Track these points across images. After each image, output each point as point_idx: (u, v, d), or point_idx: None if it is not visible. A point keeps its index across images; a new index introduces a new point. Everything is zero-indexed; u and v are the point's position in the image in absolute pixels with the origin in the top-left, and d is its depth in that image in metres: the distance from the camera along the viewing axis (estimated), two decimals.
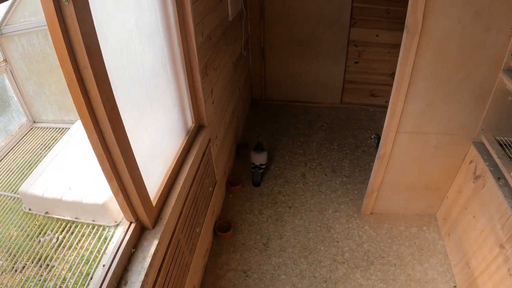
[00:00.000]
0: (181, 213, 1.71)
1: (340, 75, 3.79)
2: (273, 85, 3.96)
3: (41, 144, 2.20)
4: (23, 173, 1.96)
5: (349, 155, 3.29)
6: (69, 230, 1.53)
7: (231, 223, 2.56)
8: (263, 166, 3.00)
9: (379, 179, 2.51)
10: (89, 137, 1.11)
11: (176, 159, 1.79)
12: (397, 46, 3.56)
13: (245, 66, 3.52)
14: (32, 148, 2.16)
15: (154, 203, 1.48)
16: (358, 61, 3.69)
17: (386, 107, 3.98)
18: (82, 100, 1.00)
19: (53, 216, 1.59)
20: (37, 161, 2.02)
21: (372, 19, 3.42)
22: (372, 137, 3.15)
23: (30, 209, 1.63)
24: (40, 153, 2.11)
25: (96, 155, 1.16)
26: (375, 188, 2.58)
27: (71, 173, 1.70)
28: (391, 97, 2.05)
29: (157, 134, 1.61)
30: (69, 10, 0.87)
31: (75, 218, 1.56)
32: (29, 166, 2.02)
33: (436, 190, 2.58)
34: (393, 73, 3.72)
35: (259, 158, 2.98)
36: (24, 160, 2.06)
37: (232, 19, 2.64)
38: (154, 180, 1.54)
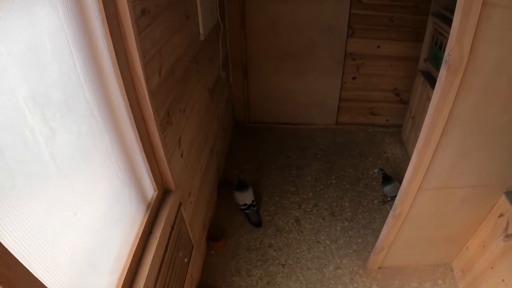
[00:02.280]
0: None
1: (335, 93, 3.30)
2: (259, 106, 3.43)
3: None
4: None
5: (349, 192, 2.79)
6: None
7: None
8: (254, 203, 2.57)
9: (392, 237, 2.06)
10: None
11: (132, 252, 1.27)
12: (401, 59, 3.10)
13: (225, 88, 2.98)
14: None
15: None
16: (356, 76, 3.20)
17: (387, 126, 3.66)
18: None
19: None
20: None
21: (372, 28, 2.94)
22: (376, 171, 2.66)
23: None
24: None
25: None
26: (386, 245, 2.12)
27: None
28: (415, 150, 1.57)
29: (94, 231, 1.08)
30: None
31: None
32: None
33: (456, 242, 2.19)
34: (396, 89, 3.29)
35: (247, 197, 2.53)
36: None
37: (205, 38, 2.10)
38: None
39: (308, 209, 2.65)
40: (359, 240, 2.45)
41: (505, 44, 1.21)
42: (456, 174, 1.69)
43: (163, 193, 1.63)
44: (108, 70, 1.14)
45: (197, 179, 2.12)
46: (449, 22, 2.47)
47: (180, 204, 1.75)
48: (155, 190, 1.55)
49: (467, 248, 2.19)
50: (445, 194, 1.81)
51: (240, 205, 2.56)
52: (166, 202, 1.60)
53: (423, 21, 2.79)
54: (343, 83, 3.24)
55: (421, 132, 1.49)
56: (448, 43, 1.21)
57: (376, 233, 2.48)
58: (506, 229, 1.83)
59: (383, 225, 2.51)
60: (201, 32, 2.05)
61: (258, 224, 2.54)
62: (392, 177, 2.65)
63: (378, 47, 3.03)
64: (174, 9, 1.60)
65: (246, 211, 2.55)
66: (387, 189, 2.63)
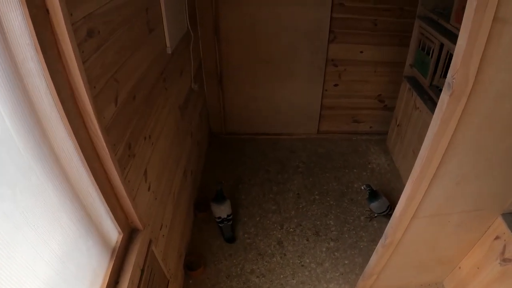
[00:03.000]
0: None
1: (316, 101, 3.13)
2: (236, 116, 3.23)
3: None
4: None
5: (334, 208, 2.64)
6: None
7: None
8: (230, 217, 2.41)
9: (381, 264, 1.94)
10: None
11: None
12: (385, 64, 2.93)
13: (199, 100, 2.77)
14: None
15: None
16: (338, 83, 3.04)
17: (371, 133, 3.52)
18: None
19: None
20: None
21: (355, 33, 2.80)
22: (363, 187, 2.52)
23: None
24: None
25: None
26: (375, 271, 1.99)
27: None
28: (409, 181, 1.42)
29: None
30: None
31: None
32: None
33: (449, 263, 2.09)
34: (380, 95, 3.14)
35: (224, 210, 2.39)
36: None
37: (173, 50, 1.88)
38: None
39: (291, 229, 2.47)
40: (346, 262, 2.29)
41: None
42: (452, 201, 1.56)
43: (130, 234, 1.43)
44: (47, 111, 0.92)
45: (170, 208, 1.91)
46: (436, 26, 2.33)
47: (151, 241, 1.55)
48: (120, 233, 1.35)
49: (459, 268, 2.09)
50: (440, 221, 1.68)
51: (215, 218, 2.40)
52: (134, 244, 1.40)
53: (409, 24, 2.65)
54: (324, 91, 3.08)
55: (416, 163, 1.34)
56: (452, 65, 1.04)
57: (364, 253, 2.35)
58: (503, 253, 1.74)
59: (371, 244, 2.40)
60: (168, 44, 1.84)
61: (230, 240, 2.40)
62: (379, 193, 2.51)
63: (361, 52, 2.88)
64: (133, 23, 1.38)
65: (220, 225, 2.41)
66: (374, 205, 2.49)
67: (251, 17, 2.67)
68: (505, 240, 1.71)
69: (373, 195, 2.48)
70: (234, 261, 2.28)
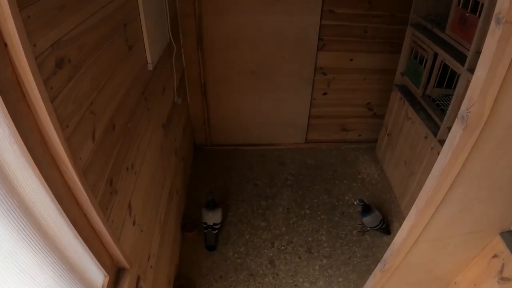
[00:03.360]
0: None
1: (304, 110, 3.05)
2: (220, 127, 3.11)
3: None
4: None
5: (326, 223, 2.56)
6: None
7: None
8: (217, 226, 2.39)
9: (378, 287, 1.83)
10: None
11: None
12: (375, 72, 2.85)
13: (182, 113, 2.64)
14: None
15: None
16: (326, 92, 2.96)
17: (360, 141, 3.45)
18: None
19: None
20: None
21: (345, 40, 2.72)
22: (356, 202, 2.44)
23: None
24: None
25: None
26: None
27: None
28: (413, 210, 1.35)
29: None
30: None
31: None
32: None
33: (445, 278, 2.02)
34: (369, 103, 3.08)
35: (213, 217, 2.38)
36: None
37: (154, 67, 1.75)
38: None
39: (282, 247, 2.38)
40: (340, 280, 2.22)
41: None
42: (453, 225, 1.50)
43: (116, 275, 1.33)
44: (10, 161, 0.79)
45: (157, 236, 1.79)
46: (429, 34, 2.27)
47: (139, 278, 1.45)
48: (105, 276, 1.24)
49: (455, 283, 2.03)
50: (440, 245, 1.63)
51: (202, 222, 2.40)
52: (121, 285, 1.30)
53: (400, 31, 2.59)
54: (312, 100, 2.99)
55: (421, 192, 1.26)
56: (468, 97, 0.96)
57: (357, 269, 2.28)
58: (501, 272, 1.67)
59: (364, 259, 2.33)
60: (150, 60, 1.71)
61: (210, 248, 2.37)
62: (371, 207, 2.44)
63: (351, 60, 2.81)
64: (110, 42, 1.24)
65: (205, 231, 2.39)
66: (367, 220, 2.42)
67: (236, 27, 2.55)
68: (503, 259, 1.65)
69: (366, 209, 2.41)
70: (225, 283, 2.17)
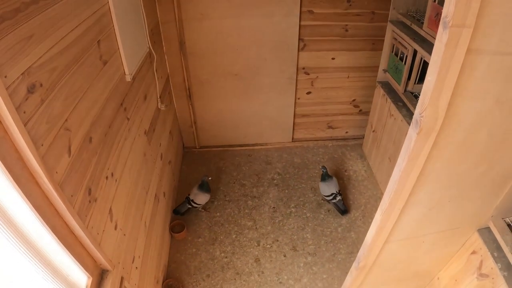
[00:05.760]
0: None
1: (289, 110, 3.10)
2: (207, 130, 3.17)
3: None
4: None
5: (311, 220, 2.63)
6: None
7: None
8: (196, 205, 2.60)
9: (357, 284, 1.93)
10: None
11: None
12: (358, 69, 2.92)
13: (168, 118, 2.69)
14: None
15: None
16: (310, 91, 3.02)
17: (346, 138, 3.53)
18: None
19: None
20: None
21: (326, 39, 2.77)
22: (320, 167, 2.75)
23: None
24: None
25: None
26: None
27: None
28: (379, 211, 1.39)
29: None
30: None
31: None
32: None
33: (426, 275, 2.09)
34: (354, 100, 3.13)
35: (200, 199, 2.60)
36: None
37: (133, 77, 1.80)
38: None
39: (268, 246, 2.45)
40: (324, 276, 2.29)
41: (489, 96, 1.01)
42: (425, 224, 1.55)
43: (100, 276, 1.40)
44: None
45: (142, 238, 1.85)
46: (409, 31, 2.30)
47: (122, 279, 1.52)
48: (89, 277, 1.31)
49: (438, 278, 2.08)
50: (414, 243, 1.67)
51: (188, 196, 2.61)
52: (104, 286, 1.38)
53: (381, 28, 2.64)
54: (297, 99, 3.05)
55: (385, 195, 1.32)
56: (420, 102, 1.00)
57: (342, 266, 2.35)
58: (479, 268, 1.71)
59: (349, 256, 2.40)
60: (127, 72, 1.76)
61: (176, 213, 2.61)
62: (331, 178, 2.68)
63: (333, 58, 2.86)
64: (83, 61, 1.30)
65: (187, 204, 2.60)
66: (321, 185, 2.70)
67: (217, 31, 2.60)
68: (481, 256, 1.70)
69: (325, 177, 2.66)
70: (212, 281, 2.24)
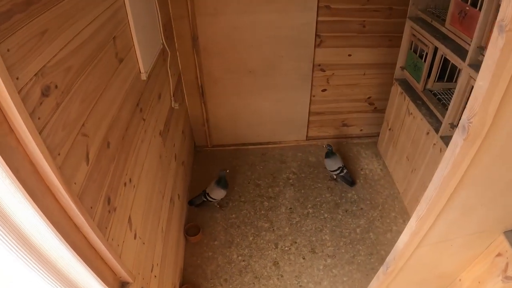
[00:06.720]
0: None
1: (304, 107, 3.02)
2: (220, 128, 3.09)
3: None
4: None
5: (329, 221, 2.55)
6: None
7: None
8: (212, 200, 2.57)
9: None
10: None
11: None
12: (375, 66, 2.82)
13: (180, 117, 2.62)
14: None
15: None
16: (326, 88, 2.93)
17: (361, 136, 3.44)
18: None
19: None
20: None
21: (343, 36, 2.68)
22: (324, 146, 2.85)
23: None
24: None
25: None
26: None
27: None
28: (414, 217, 1.34)
29: None
30: None
31: None
32: None
33: (448, 277, 2.02)
34: (370, 97, 3.04)
35: (216, 194, 2.55)
36: None
37: (148, 75, 1.72)
38: None
39: (286, 248, 2.38)
40: (345, 279, 2.22)
41: None
42: (456, 228, 1.49)
43: None
44: (6, 197, 0.78)
45: (159, 245, 1.79)
46: (429, 27, 2.22)
47: None
48: None
49: (460, 280, 2.03)
50: (443, 246, 1.61)
51: (205, 190, 2.58)
52: None
53: (399, 24, 2.55)
54: (312, 97, 2.96)
55: (422, 201, 1.25)
56: (468, 107, 0.93)
57: (362, 268, 2.27)
58: (505, 270, 1.66)
59: (368, 257, 2.33)
60: (143, 70, 1.68)
61: (191, 204, 2.62)
62: (335, 154, 2.81)
63: (350, 55, 2.77)
64: (100, 59, 1.22)
65: (203, 197, 2.58)
66: (327, 162, 2.81)
67: (231, 26, 2.51)
68: (507, 258, 1.64)
69: (329, 154, 2.77)
70: (230, 286, 2.18)
